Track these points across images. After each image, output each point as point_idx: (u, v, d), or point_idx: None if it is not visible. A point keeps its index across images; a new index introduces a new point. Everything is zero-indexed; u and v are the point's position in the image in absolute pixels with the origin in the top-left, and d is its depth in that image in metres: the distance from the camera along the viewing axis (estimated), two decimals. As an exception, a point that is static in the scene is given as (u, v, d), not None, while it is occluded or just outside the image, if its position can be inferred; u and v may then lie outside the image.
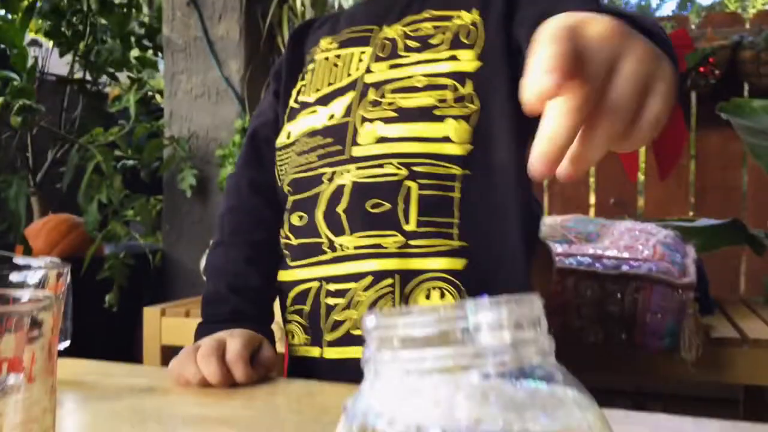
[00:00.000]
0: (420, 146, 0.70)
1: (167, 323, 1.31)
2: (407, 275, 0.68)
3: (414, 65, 0.74)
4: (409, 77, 0.73)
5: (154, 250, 1.78)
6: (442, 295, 0.68)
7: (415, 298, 0.68)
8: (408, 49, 0.75)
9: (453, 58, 0.73)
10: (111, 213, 1.57)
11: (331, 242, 0.72)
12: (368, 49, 0.78)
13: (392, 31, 0.78)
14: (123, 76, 1.96)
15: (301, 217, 0.76)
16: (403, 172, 0.70)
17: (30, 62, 1.65)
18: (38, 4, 1.64)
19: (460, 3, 0.76)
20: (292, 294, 0.77)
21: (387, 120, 0.72)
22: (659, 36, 0.51)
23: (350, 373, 0.40)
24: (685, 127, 2.66)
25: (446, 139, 0.70)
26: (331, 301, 0.72)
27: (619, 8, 0.57)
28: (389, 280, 0.68)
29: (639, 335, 0.98)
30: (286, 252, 0.78)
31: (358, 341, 0.69)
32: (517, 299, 0.26)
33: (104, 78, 1.97)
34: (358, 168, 0.71)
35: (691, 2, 11.85)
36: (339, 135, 0.74)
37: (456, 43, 0.73)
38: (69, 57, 1.83)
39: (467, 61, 0.72)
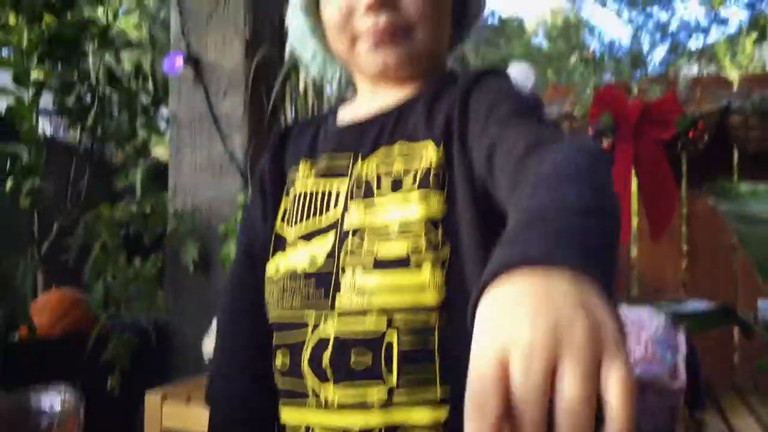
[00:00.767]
0: (398, 297, 0.70)
1: (168, 409, 1.33)
2: (392, 430, 0.69)
3: (387, 208, 0.75)
4: (385, 225, 0.74)
5: (156, 325, 1.81)
6: None
7: None
8: (381, 188, 0.76)
9: (424, 201, 0.73)
10: (116, 290, 1.60)
11: (315, 391, 0.73)
12: (344, 184, 0.79)
13: (366, 166, 0.79)
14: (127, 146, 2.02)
15: (284, 361, 0.77)
16: (383, 325, 0.70)
17: (39, 132, 1.70)
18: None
19: (425, 133, 0.77)
20: (285, 430, 0.79)
21: (365, 269, 0.73)
22: (598, 213, 0.49)
23: None
24: (676, 189, 2.72)
25: (422, 288, 0.71)
26: None
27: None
28: None
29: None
30: (277, 389, 0.80)
31: None
32: None
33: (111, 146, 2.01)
34: (340, 318, 0.72)
35: (683, 48, 12.09)
36: (322, 283, 0.75)
37: (425, 184, 0.74)
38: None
39: (436, 206, 0.73)
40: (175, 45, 1.95)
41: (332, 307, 0.73)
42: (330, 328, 0.72)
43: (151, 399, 1.35)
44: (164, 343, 1.88)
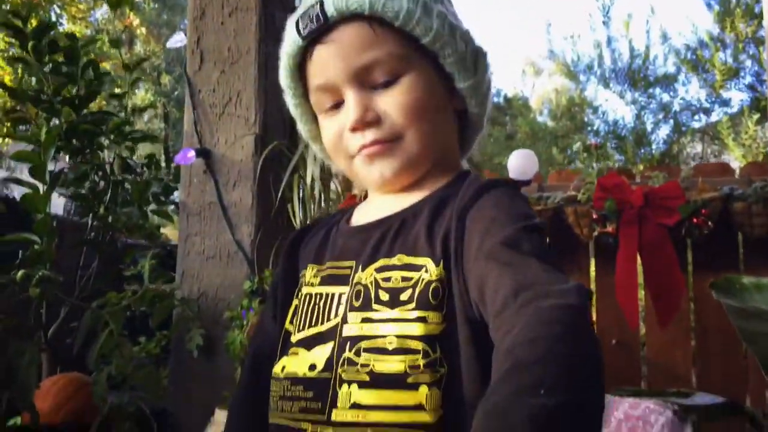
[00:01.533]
0: (393, 415, 0.70)
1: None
2: None
3: (385, 323, 0.74)
4: (382, 337, 0.74)
5: (159, 413, 1.80)
6: None
7: None
8: (379, 301, 0.76)
9: (422, 319, 0.73)
10: (120, 371, 1.60)
11: None
12: (346, 292, 0.80)
13: (366, 276, 0.79)
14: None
15: None
16: None
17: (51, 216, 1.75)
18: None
19: (427, 250, 0.77)
20: None
21: (361, 384, 0.72)
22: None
23: None
24: (681, 275, 2.71)
25: (419, 407, 0.70)
26: None
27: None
28: None
29: None
30: None
31: None
32: None
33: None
34: (335, 430, 0.72)
35: (686, 126, 12.29)
36: (319, 392, 0.75)
37: (424, 303, 0.73)
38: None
39: (435, 324, 0.72)
40: (188, 140, 2.02)
41: (328, 420, 0.73)
42: None
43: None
44: (166, 431, 1.86)
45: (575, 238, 2.92)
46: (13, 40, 1.91)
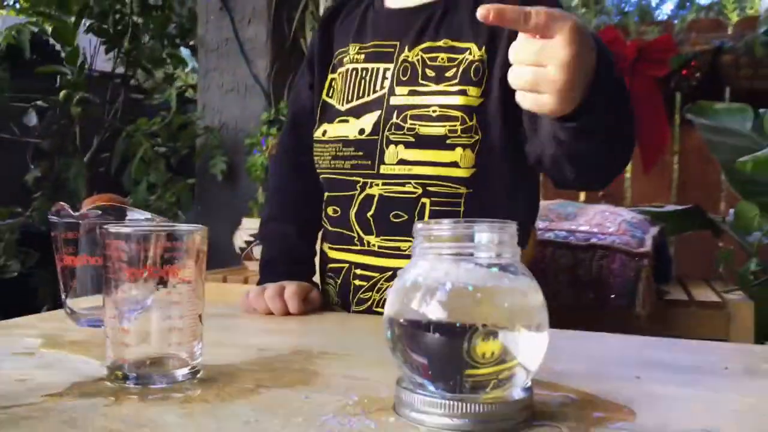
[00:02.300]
0: (433, 170, 0.86)
1: (208, 286, 1.52)
2: None
3: (430, 95, 0.87)
4: (426, 106, 0.87)
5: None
6: None
7: None
8: (426, 77, 0.89)
9: (463, 92, 0.86)
10: (156, 194, 1.79)
11: (360, 238, 0.91)
12: (390, 67, 0.92)
13: (413, 55, 0.91)
14: (157, 71, 2.19)
15: (335, 211, 0.95)
16: (419, 190, 0.87)
17: (80, 59, 1.87)
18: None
19: (470, 35, 0.88)
20: (328, 266, 0.98)
21: (407, 144, 0.87)
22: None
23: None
24: (667, 125, 2.88)
25: (455, 164, 0.86)
26: (357, 282, 0.92)
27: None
28: None
29: (604, 295, 1.20)
30: (324, 231, 0.98)
31: (379, 314, 0.90)
32: (503, 225, 0.48)
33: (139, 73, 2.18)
34: (384, 183, 0.89)
35: (690, 2, 12.01)
36: (369, 151, 0.90)
37: (466, 79, 0.86)
38: (111, 54, 2.05)
39: (474, 97, 0.86)
40: (203, -23, 2.11)
41: (378, 173, 0.89)
42: (375, 190, 0.90)
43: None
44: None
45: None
46: None
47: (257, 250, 1.63)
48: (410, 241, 0.88)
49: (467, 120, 0.86)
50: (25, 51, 1.80)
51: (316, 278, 1.02)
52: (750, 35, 2.83)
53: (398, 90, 0.90)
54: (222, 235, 1.95)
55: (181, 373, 0.57)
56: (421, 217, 0.87)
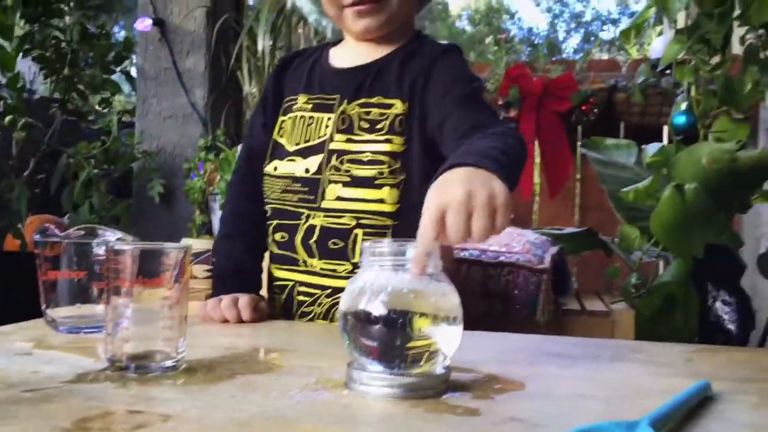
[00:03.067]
0: (365, 206, 1.02)
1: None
2: None
3: (363, 143, 1.04)
4: (361, 152, 1.04)
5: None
6: None
7: None
8: (361, 128, 1.05)
9: (389, 141, 1.03)
10: (98, 215, 1.86)
11: (305, 260, 1.06)
12: (332, 117, 1.07)
13: (350, 108, 1.07)
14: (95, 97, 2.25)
15: (283, 237, 1.09)
16: (353, 222, 1.03)
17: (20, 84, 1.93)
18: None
19: (396, 93, 1.06)
20: (274, 282, 1.12)
21: (344, 184, 1.03)
22: (511, 156, 0.81)
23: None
24: (570, 155, 3.16)
25: (382, 201, 1.02)
26: (301, 298, 1.08)
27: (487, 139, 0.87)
28: (341, 294, 1.01)
29: (510, 305, 1.39)
30: (271, 253, 1.13)
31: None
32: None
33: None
34: (325, 216, 1.04)
35: (594, 37, 12.84)
36: (313, 188, 1.05)
37: (392, 130, 1.04)
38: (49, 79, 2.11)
39: (398, 144, 1.03)
40: (143, 9, 2.20)
41: (319, 207, 1.05)
42: (317, 221, 1.05)
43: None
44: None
45: (483, 120, 3.26)
46: None
47: (197, 268, 1.74)
48: (346, 264, 1.09)
49: (393, 164, 1.03)
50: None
51: (263, 292, 1.16)
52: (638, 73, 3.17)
53: (337, 137, 1.06)
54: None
55: (169, 364, 0.70)
56: (354, 245, 1.03)
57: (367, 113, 1.07)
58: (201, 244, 1.82)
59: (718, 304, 1.36)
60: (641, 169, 1.77)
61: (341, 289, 0.69)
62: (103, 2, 2.10)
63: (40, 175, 2.08)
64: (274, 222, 1.11)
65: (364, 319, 0.62)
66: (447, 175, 0.72)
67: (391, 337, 0.60)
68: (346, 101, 1.09)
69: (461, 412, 0.56)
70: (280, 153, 1.12)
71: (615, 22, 12.53)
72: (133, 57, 2.30)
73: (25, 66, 2.10)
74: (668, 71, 2.02)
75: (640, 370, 0.74)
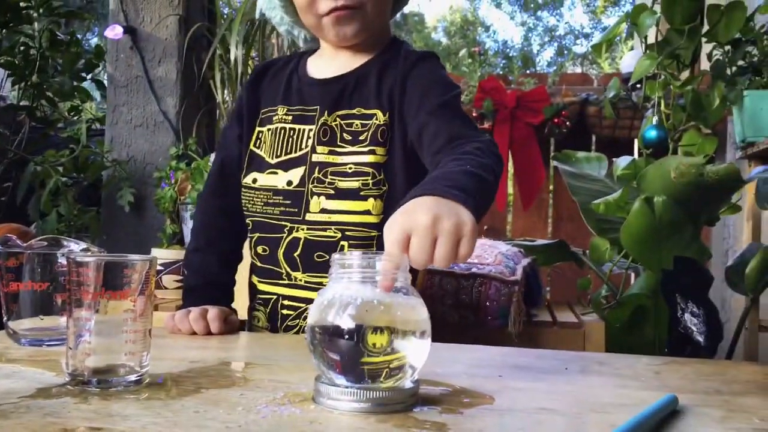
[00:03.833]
0: (350, 218, 1.02)
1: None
2: None
3: (346, 155, 1.03)
4: (344, 164, 1.03)
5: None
6: None
7: None
8: (343, 140, 1.05)
9: (372, 152, 1.02)
10: (65, 223, 1.83)
11: (288, 274, 1.05)
12: (313, 129, 1.06)
13: (331, 119, 1.06)
14: (64, 105, 2.22)
15: (264, 250, 1.08)
16: (339, 235, 1.02)
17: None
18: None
19: (376, 103, 1.05)
20: (257, 295, 1.11)
21: (328, 196, 1.03)
22: (483, 180, 0.81)
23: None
24: (543, 167, 3.19)
25: (368, 212, 1.02)
26: (285, 311, 1.07)
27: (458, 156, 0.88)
28: None
29: (482, 316, 1.40)
30: (253, 266, 1.11)
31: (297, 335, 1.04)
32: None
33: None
34: (309, 228, 1.03)
35: (568, 51, 13.03)
36: (296, 201, 1.04)
37: (374, 141, 1.03)
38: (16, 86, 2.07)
39: (380, 155, 1.03)
40: (114, 17, 2.18)
41: (303, 219, 1.04)
42: (301, 234, 1.04)
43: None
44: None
45: (457, 132, 3.28)
46: None
47: (166, 279, 1.72)
48: None
49: (376, 175, 1.02)
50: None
51: (235, 305, 1.14)
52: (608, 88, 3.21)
53: (319, 149, 1.05)
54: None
55: (132, 378, 0.68)
56: None
57: (349, 125, 1.06)
58: (171, 254, 1.80)
59: (687, 316, 1.37)
60: (612, 182, 1.79)
61: None
62: (74, 9, 2.07)
63: (6, 183, 2.04)
64: (256, 235, 1.10)
65: (331, 333, 0.61)
66: (415, 200, 0.72)
67: (357, 351, 0.60)
68: (326, 112, 1.07)
69: (429, 426, 0.56)
70: (259, 165, 1.11)
71: (587, 36, 12.71)
72: (104, 64, 2.27)
73: (-8, 73, 2.06)
74: (639, 86, 2.05)
75: (607, 384, 0.74)
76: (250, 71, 2.20)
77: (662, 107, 1.77)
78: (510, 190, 3.33)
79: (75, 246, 0.95)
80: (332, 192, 1.03)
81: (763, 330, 1.89)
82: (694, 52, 1.71)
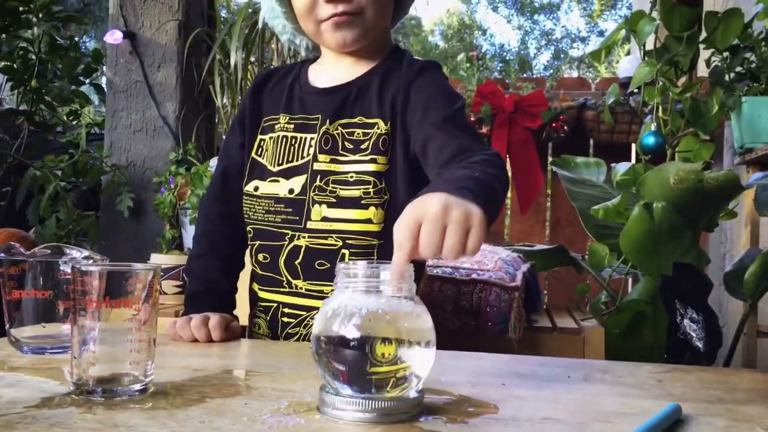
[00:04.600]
0: (351, 226, 1.02)
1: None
2: None
3: (348, 164, 1.04)
4: (345, 173, 1.03)
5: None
6: None
7: None
8: (345, 149, 1.05)
9: (373, 161, 1.03)
10: (65, 228, 1.82)
11: (289, 282, 1.06)
12: (315, 137, 1.06)
13: (333, 128, 1.06)
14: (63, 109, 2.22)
15: (265, 257, 1.08)
16: (340, 243, 1.03)
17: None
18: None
19: (378, 113, 1.05)
20: (258, 303, 1.11)
21: (330, 204, 1.03)
22: (489, 187, 0.81)
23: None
24: (540, 171, 3.19)
25: (369, 221, 1.02)
26: (286, 319, 1.07)
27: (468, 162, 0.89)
28: None
29: (482, 322, 1.40)
30: (254, 274, 1.11)
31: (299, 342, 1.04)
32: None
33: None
34: (310, 236, 1.04)
35: (564, 54, 13.05)
36: (297, 209, 1.04)
37: (376, 150, 1.03)
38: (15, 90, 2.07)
39: (382, 164, 1.03)
40: (113, 22, 2.18)
41: (305, 227, 1.04)
42: (302, 242, 1.04)
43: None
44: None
45: (455, 136, 3.29)
46: None
47: (166, 284, 1.72)
48: (332, 286, 1.02)
49: (378, 183, 1.03)
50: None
51: (237, 312, 1.14)
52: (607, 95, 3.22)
53: (321, 158, 1.05)
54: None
55: (137, 388, 0.68)
56: None
57: (351, 133, 1.06)
58: (171, 259, 1.80)
59: (686, 322, 1.38)
60: (611, 188, 1.80)
61: None
62: (73, 13, 2.07)
63: (5, 188, 2.03)
64: (257, 243, 1.10)
65: (336, 343, 0.61)
66: (426, 195, 0.73)
67: (364, 361, 0.60)
68: (328, 121, 1.08)
69: (434, 437, 0.56)
70: (261, 173, 1.11)
71: (584, 39, 12.75)
72: (103, 68, 2.27)
73: (-9, 77, 2.06)
74: (636, 90, 2.06)
75: (610, 392, 0.75)
76: (249, 76, 2.21)
77: (660, 113, 1.78)
78: (508, 194, 3.32)
79: (77, 253, 0.95)
80: (333, 200, 1.03)
81: (762, 335, 1.90)
82: (692, 59, 1.72)
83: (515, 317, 1.38)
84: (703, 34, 1.72)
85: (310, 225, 1.04)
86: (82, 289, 0.68)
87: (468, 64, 3.38)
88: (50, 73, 2.07)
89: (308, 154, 1.07)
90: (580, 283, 1.77)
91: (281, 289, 1.07)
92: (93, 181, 2.02)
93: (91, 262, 0.92)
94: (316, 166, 1.05)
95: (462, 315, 1.41)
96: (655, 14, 1.69)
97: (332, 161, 1.05)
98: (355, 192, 1.03)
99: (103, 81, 2.41)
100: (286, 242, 1.06)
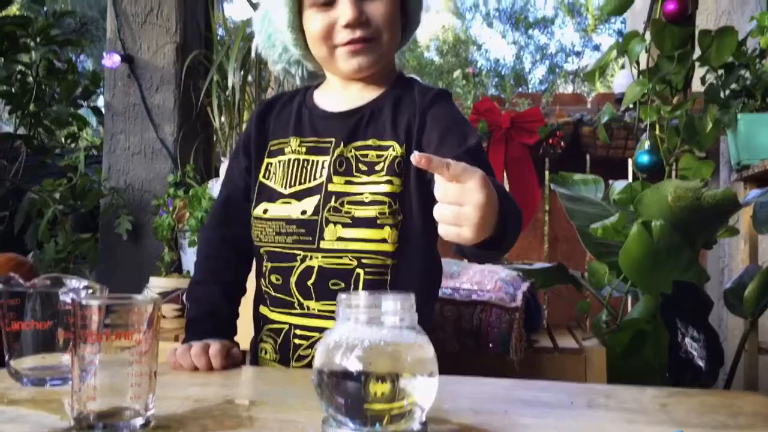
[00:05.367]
0: (366, 245, 1.02)
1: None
2: None
3: (363, 185, 1.04)
4: (360, 194, 1.04)
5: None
6: None
7: None
8: (359, 170, 1.05)
9: (389, 182, 1.03)
10: (64, 252, 1.82)
11: (300, 303, 1.05)
12: (327, 159, 1.07)
13: (347, 151, 1.07)
14: (61, 132, 2.22)
15: (277, 279, 1.07)
16: (354, 263, 1.03)
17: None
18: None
19: (392, 135, 1.06)
20: (267, 326, 1.10)
21: (344, 224, 1.03)
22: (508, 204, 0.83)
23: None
24: (538, 187, 3.20)
25: (383, 241, 1.02)
26: (297, 341, 1.06)
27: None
28: None
29: (483, 344, 1.39)
30: (265, 296, 1.10)
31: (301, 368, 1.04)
32: (405, 296, 0.65)
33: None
34: (324, 257, 1.03)
35: (559, 68, 13.12)
36: (310, 229, 1.04)
37: (391, 171, 1.04)
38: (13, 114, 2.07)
39: (397, 185, 1.04)
40: (111, 45, 2.19)
41: (318, 248, 1.04)
42: (315, 262, 1.04)
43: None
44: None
45: (453, 154, 3.30)
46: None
47: (165, 308, 1.71)
48: None
49: (393, 204, 1.03)
50: None
51: (237, 337, 1.14)
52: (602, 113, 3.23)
53: (335, 179, 1.06)
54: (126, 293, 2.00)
55: (139, 422, 0.68)
56: (356, 285, 1.02)
57: (365, 155, 1.07)
58: (170, 282, 1.79)
59: (688, 341, 1.37)
60: (609, 205, 1.80)
61: None
62: (71, 37, 2.08)
63: (3, 212, 2.03)
64: (269, 265, 1.10)
65: (339, 376, 0.61)
66: (491, 183, 0.75)
67: (359, 396, 0.59)
68: (342, 144, 1.08)
69: (439, 471, 0.56)
70: (270, 196, 1.11)
71: (578, 54, 12.81)
72: (101, 91, 2.28)
73: (-11, 102, 2.06)
74: (632, 106, 2.07)
75: (615, 419, 0.74)
76: (247, 97, 2.22)
77: (656, 131, 1.78)
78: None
79: (76, 283, 0.94)
80: (349, 221, 1.04)
81: (764, 353, 1.89)
82: (686, 77, 1.73)
83: (516, 338, 1.38)
84: (698, 52, 1.73)
85: (323, 245, 1.04)
86: (83, 322, 0.67)
87: (464, 81, 3.39)
88: (48, 97, 2.08)
89: (321, 176, 1.07)
90: (580, 301, 1.77)
91: (293, 311, 1.06)
92: (91, 204, 2.02)
93: (90, 292, 0.92)
94: (331, 188, 1.06)
95: (462, 336, 1.41)
96: (647, 34, 1.70)
97: (347, 183, 1.06)
98: (370, 212, 1.03)
99: (101, 104, 2.42)
100: (298, 263, 1.06)
